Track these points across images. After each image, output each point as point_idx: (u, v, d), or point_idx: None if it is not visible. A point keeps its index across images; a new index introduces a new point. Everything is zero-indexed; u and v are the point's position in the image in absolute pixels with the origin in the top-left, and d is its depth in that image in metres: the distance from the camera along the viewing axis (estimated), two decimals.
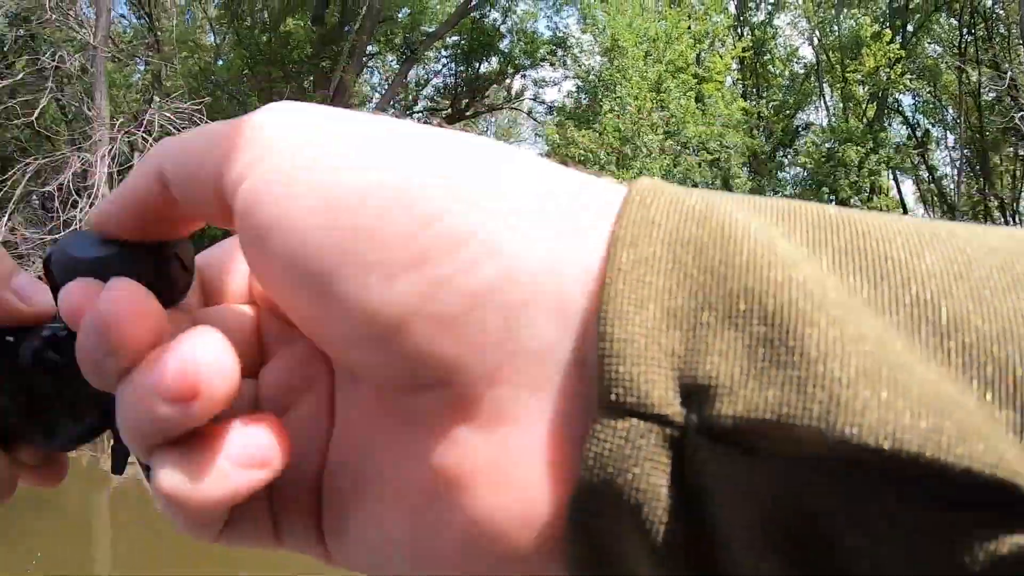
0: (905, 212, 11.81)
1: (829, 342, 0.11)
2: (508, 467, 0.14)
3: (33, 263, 10.39)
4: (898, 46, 11.47)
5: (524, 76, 14.90)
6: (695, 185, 11.78)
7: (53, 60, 10.56)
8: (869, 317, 0.12)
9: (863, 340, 0.11)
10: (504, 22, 13.83)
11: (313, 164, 0.15)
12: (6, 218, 9.68)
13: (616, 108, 9.81)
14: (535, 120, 16.03)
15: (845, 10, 12.63)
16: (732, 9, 12.72)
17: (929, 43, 12.97)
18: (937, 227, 0.13)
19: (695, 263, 0.13)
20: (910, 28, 12.65)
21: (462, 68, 14.29)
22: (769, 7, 13.06)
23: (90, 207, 9.54)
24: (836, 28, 12.56)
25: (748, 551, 0.12)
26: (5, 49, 14.52)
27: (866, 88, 12.06)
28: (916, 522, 0.11)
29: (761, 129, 12.43)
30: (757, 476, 0.12)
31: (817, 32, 12.75)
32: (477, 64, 14.21)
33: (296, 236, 0.15)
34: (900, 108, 13.28)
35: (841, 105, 12.42)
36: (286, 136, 0.16)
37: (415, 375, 0.14)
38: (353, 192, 0.15)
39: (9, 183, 9.92)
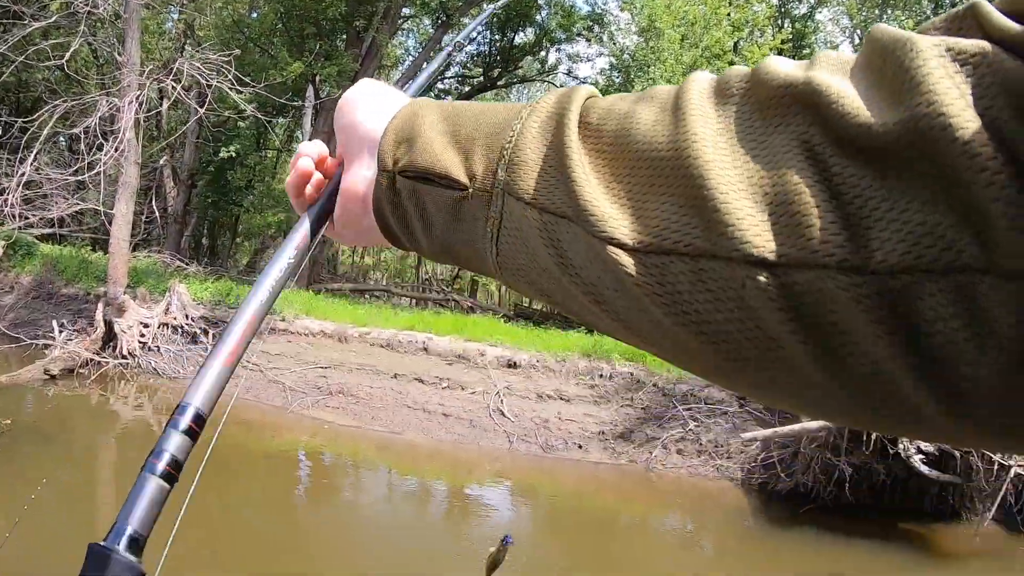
0: None
1: (426, 140, 0.42)
2: (357, 178, 0.47)
3: (56, 203, 10.40)
4: None
5: (559, 50, 14.77)
6: None
7: (87, 4, 10.52)
8: (440, 131, 0.42)
9: (434, 137, 0.42)
10: None
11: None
12: (31, 158, 9.66)
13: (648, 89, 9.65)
14: None
15: (888, 11, 12.35)
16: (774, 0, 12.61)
17: None
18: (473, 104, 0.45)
19: (405, 128, 0.44)
20: None
21: (497, 37, 14.14)
22: (811, 1, 12.85)
23: (115, 151, 9.52)
24: None
25: (404, 208, 0.44)
26: None
27: None
28: (431, 194, 0.41)
29: None
30: (401, 186, 0.43)
31: (858, 31, 12.49)
32: (512, 34, 14.06)
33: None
34: None
35: None
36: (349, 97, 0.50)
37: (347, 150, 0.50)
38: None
39: (37, 123, 9.91)
